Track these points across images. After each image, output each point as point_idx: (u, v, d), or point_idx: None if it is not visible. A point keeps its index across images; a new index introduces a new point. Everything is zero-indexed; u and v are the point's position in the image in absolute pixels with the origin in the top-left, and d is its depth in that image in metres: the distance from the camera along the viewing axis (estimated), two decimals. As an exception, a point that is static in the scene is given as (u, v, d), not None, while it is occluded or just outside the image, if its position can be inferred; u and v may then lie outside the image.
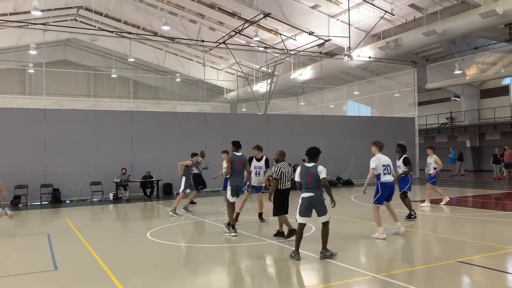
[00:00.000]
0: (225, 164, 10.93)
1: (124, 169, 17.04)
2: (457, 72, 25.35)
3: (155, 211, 14.49)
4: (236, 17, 24.33)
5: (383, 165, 8.47)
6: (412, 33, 21.94)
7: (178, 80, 36.01)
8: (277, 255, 7.54)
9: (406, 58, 24.61)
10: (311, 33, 24.15)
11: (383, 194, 8.46)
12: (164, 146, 18.21)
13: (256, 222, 10.61)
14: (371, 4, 21.22)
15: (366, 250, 8.00)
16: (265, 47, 24.81)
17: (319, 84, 28.48)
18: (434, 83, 26.99)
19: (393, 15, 22.13)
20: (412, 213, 10.24)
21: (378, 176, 8.48)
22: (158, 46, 32.88)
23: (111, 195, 16.67)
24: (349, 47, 22.66)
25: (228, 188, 9.34)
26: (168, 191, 18.22)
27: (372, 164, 8.46)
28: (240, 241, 8.60)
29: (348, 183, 21.51)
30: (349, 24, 22.02)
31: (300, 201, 6.95)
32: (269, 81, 29.51)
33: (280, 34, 24.85)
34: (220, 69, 36.60)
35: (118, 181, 16.86)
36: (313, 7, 23.40)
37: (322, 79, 26.79)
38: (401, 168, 10.35)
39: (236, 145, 9.61)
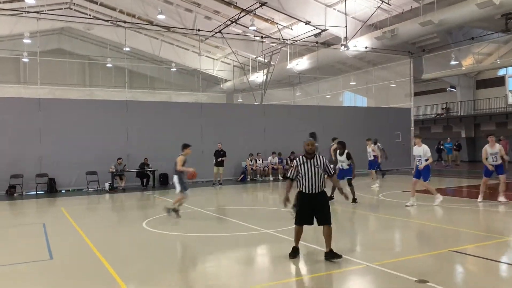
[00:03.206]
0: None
1: (120, 159, 17.02)
2: (453, 62, 25.35)
3: (151, 201, 14.51)
4: (232, 6, 24.17)
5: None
6: (409, 23, 21.89)
7: (173, 69, 35.83)
8: (275, 243, 7.58)
9: (403, 48, 24.57)
10: (307, 23, 24.04)
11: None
12: (160, 136, 18.17)
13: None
14: (368, -7, 21.12)
15: (360, 240, 8.06)
16: (261, 37, 24.70)
17: (315, 74, 28.41)
18: (430, 74, 26.99)
19: (390, 5, 22.04)
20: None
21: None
22: (154, 36, 32.64)
23: (107, 185, 16.66)
24: (345, 37, 22.61)
25: None
26: (164, 181, 18.23)
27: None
28: (239, 230, 8.64)
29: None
30: (345, 14, 21.94)
31: None
32: (265, 71, 29.43)
33: (277, 23, 24.74)
34: (216, 59, 36.41)
35: (114, 170, 16.85)
36: (310, -4, 23.26)
37: (319, 69, 26.72)
38: (345, 163, 11.98)
39: None
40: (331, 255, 6.16)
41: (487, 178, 11.30)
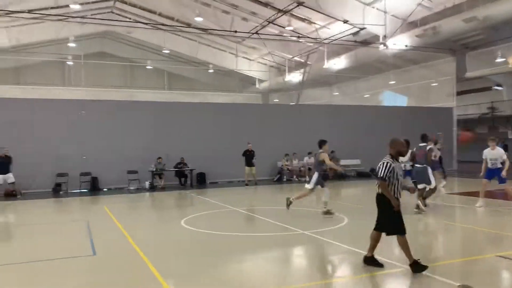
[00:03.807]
0: None
1: (160, 158, 17.42)
2: (499, 60, 24.27)
3: (188, 200, 14.77)
4: (269, 6, 24.17)
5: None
6: (451, 19, 21.12)
7: (211, 71, 36.28)
8: (312, 244, 7.54)
9: (445, 46, 23.75)
10: (345, 22, 23.69)
11: None
12: (197, 137, 18.46)
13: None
14: (408, -10, 20.57)
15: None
16: (298, 37, 24.58)
17: (353, 74, 27.99)
18: (474, 72, 25.93)
19: (431, 1, 21.36)
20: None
21: None
22: (192, 38, 33.18)
23: (147, 184, 17.09)
24: (384, 35, 22.13)
25: None
26: (201, 180, 18.50)
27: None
28: (275, 230, 8.65)
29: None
30: (385, 12, 21.47)
31: None
32: (301, 71, 29.27)
33: (314, 23, 24.55)
34: (252, 60, 36.56)
35: (154, 169, 17.25)
36: (348, -5, 22.91)
37: (356, 68, 26.28)
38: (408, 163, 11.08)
39: None
40: (415, 268, 5.57)
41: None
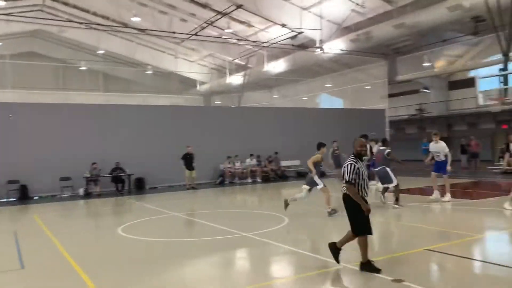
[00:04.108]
0: None
1: (95, 164, 16.69)
2: (426, 64, 25.91)
3: (126, 206, 14.28)
4: (208, 8, 24.08)
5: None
6: (383, 26, 22.24)
7: (149, 72, 35.47)
8: (253, 246, 7.56)
9: (377, 51, 24.96)
10: (283, 26, 24.16)
11: None
12: (135, 140, 17.93)
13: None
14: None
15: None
16: (238, 39, 24.69)
17: (292, 77, 28.61)
18: (404, 75, 27.50)
19: (364, 7, 22.35)
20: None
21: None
22: (129, 38, 32.22)
23: (81, 190, 16.31)
24: (321, 40, 22.82)
25: None
26: (140, 186, 17.95)
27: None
28: (210, 234, 8.58)
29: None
30: (321, 17, 22.15)
31: None
32: (242, 73, 29.46)
33: (253, 26, 24.79)
34: (193, 61, 36.21)
35: (89, 175, 16.52)
36: (286, -1, 23.39)
37: (295, 72, 26.88)
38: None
39: None
40: (366, 267, 5.65)
41: None
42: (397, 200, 10.87)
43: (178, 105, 23.18)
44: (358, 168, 5.63)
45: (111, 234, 8.98)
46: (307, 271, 5.92)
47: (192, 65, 36.05)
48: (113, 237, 8.74)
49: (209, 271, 6.26)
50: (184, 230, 9.84)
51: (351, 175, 5.60)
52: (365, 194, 5.74)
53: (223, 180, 19.42)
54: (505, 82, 16.61)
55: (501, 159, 19.49)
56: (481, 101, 17.75)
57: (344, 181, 5.71)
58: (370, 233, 5.69)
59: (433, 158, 11.59)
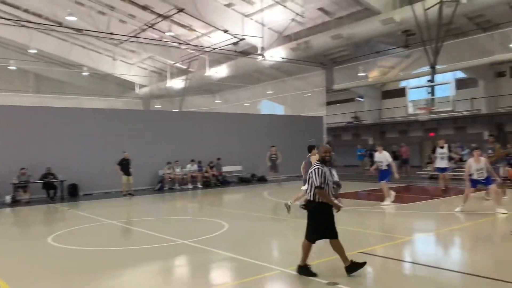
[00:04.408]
0: None
1: (24, 169, 15.69)
2: (361, 74, 27.12)
3: (58, 214, 13.55)
4: (149, 10, 23.61)
5: None
6: (321, 36, 23.03)
7: (86, 74, 34.05)
8: (192, 253, 7.46)
9: (316, 60, 25.77)
10: (225, 31, 24.25)
11: None
12: (69, 145, 17.10)
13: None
14: (283, 5, 21.87)
15: (277, 245, 8.24)
16: (179, 43, 24.42)
17: (234, 82, 28.75)
18: (341, 84, 28.60)
19: (304, 17, 23.03)
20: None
21: None
22: (64, 38, 30.75)
23: (8, 198, 15.25)
24: (262, 47, 23.17)
25: None
26: (73, 192, 17.10)
27: None
28: (148, 242, 8.37)
29: (262, 180, 21.94)
30: (262, 24, 22.49)
31: None
32: (183, 77, 29.14)
33: (195, 30, 24.65)
34: (132, 64, 35.28)
35: (17, 182, 15.50)
36: (228, 5, 23.50)
37: (238, 78, 27.04)
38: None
39: None
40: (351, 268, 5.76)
41: (473, 188, 10.67)
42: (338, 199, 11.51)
43: (116, 108, 22.38)
44: (324, 172, 5.72)
45: (40, 244, 8.47)
46: (245, 276, 5.95)
47: (131, 68, 35.10)
48: (42, 247, 8.25)
49: (146, 280, 6.09)
50: (120, 239, 9.52)
51: (320, 179, 5.66)
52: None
53: (162, 186, 19.02)
54: (432, 93, 17.75)
55: (429, 164, 20.83)
56: (410, 110, 18.83)
57: (310, 188, 5.77)
58: (336, 236, 5.80)
59: (377, 167, 12.35)
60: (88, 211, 13.11)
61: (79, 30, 24.38)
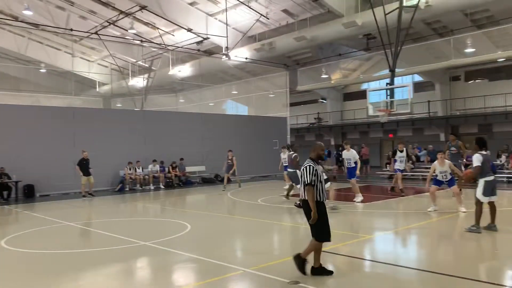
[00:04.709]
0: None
1: (-25, 170, 14.94)
2: (323, 76, 27.60)
3: (12, 216, 12.98)
4: (110, 7, 23.04)
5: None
6: (285, 37, 23.26)
7: (43, 70, 32.80)
8: (153, 255, 7.34)
9: (280, 61, 25.99)
10: (189, 30, 24.03)
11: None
12: (24, 144, 16.42)
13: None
14: (248, 6, 21.92)
15: (239, 245, 8.25)
16: (141, 41, 23.98)
17: (198, 82, 28.51)
18: (304, 86, 29.01)
19: (268, 18, 23.17)
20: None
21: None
22: (19, 33, 29.49)
23: (-43, 200, 14.49)
24: (226, 47, 23.12)
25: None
26: (29, 194, 16.44)
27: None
28: (108, 244, 8.17)
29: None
30: (226, 24, 22.44)
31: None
32: (146, 76, 28.62)
33: (158, 28, 24.28)
34: (92, 61, 34.30)
35: (-33, 183, 14.75)
36: (191, 4, 23.31)
37: (201, 77, 26.84)
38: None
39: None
40: (318, 271, 5.74)
41: (436, 187, 10.94)
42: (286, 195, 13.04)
43: (75, 106, 21.68)
44: (316, 170, 5.60)
45: (-8, 248, 8.08)
46: (208, 277, 5.92)
47: (91, 65, 34.12)
48: (-6, 251, 7.87)
49: (106, 283, 5.94)
50: (79, 241, 9.23)
51: (311, 177, 5.54)
52: (323, 198, 5.72)
53: (123, 186, 18.61)
54: (391, 95, 18.31)
55: (388, 165, 21.45)
56: (371, 112, 19.34)
57: (302, 184, 5.67)
58: (329, 239, 5.72)
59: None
60: (44, 212, 12.63)
61: (36, 25, 23.47)
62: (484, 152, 8.22)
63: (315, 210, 5.51)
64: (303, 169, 5.67)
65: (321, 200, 5.66)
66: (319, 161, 5.86)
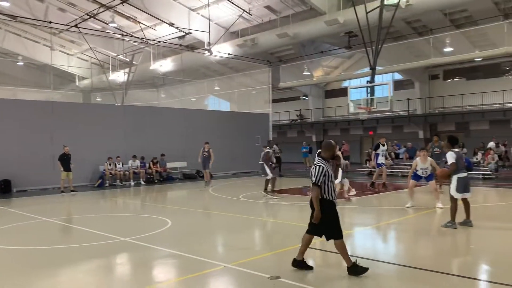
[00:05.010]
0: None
1: None
2: (306, 73, 27.72)
3: (-12, 212, 12.69)
4: (91, 0, 22.66)
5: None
6: (267, 33, 23.26)
7: (20, 63, 32.08)
8: (133, 251, 7.29)
9: (262, 57, 25.99)
10: (171, 24, 23.81)
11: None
12: (1, 139, 16.06)
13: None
14: (230, 1, 21.83)
15: (221, 241, 8.26)
16: (122, 35, 23.66)
17: (179, 77, 28.28)
18: (286, 82, 29.09)
19: (251, 14, 23.13)
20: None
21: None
22: (-5, 24, 28.76)
23: None
24: (209, 42, 23.00)
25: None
26: (5, 189, 16.10)
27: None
28: (88, 240, 8.09)
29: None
30: (209, 19, 22.32)
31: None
32: (126, 70, 28.26)
33: (139, 22, 23.99)
34: (72, 54, 33.69)
35: None
36: (174, -2, 23.10)
37: (183, 72, 26.63)
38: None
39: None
40: (354, 270, 5.65)
41: (414, 182, 11.19)
42: (272, 191, 13.64)
43: (54, 100, 21.27)
44: (326, 170, 5.59)
45: (-33, 245, 7.90)
46: (188, 273, 5.92)
47: (71, 59, 33.51)
48: (-31, 247, 7.70)
49: (85, 279, 5.88)
50: (57, 237, 9.10)
51: (320, 177, 5.53)
52: (334, 196, 5.70)
53: (102, 182, 18.39)
54: (372, 93, 18.52)
55: (368, 161, 21.73)
56: (351, 109, 19.52)
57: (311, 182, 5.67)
58: (341, 237, 5.68)
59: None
60: (21, 208, 12.40)
61: (13, 17, 22.91)
62: (456, 150, 8.42)
63: (318, 209, 5.55)
64: (313, 168, 5.67)
65: (332, 199, 5.66)
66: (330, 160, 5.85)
